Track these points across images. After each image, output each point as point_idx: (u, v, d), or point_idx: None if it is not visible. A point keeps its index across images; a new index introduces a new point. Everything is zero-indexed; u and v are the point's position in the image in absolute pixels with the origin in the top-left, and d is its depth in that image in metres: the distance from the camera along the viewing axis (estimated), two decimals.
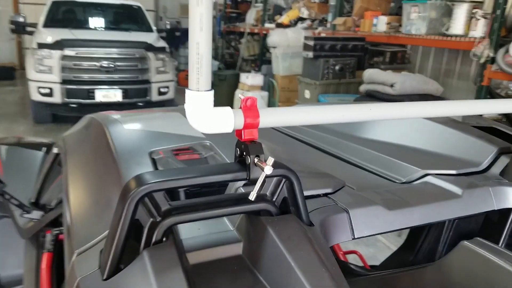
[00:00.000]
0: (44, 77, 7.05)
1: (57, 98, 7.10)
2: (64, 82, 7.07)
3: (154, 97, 7.60)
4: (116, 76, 7.32)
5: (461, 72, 6.39)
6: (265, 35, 8.84)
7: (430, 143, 1.49)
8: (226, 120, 0.84)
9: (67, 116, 7.30)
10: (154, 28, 8.65)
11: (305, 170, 1.26)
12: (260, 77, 7.77)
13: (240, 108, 0.87)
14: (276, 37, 7.60)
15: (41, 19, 7.91)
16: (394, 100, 4.67)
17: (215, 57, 11.92)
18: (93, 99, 7.20)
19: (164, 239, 0.81)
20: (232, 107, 0.87)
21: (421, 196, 1.19)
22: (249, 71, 9.05)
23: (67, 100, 7.12)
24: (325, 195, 1.12)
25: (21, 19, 7.90)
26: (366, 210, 1.06)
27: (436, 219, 1.14)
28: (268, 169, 0.82)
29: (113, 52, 7.30)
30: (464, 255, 1.03)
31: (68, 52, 7.03)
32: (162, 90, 7.78)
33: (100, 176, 1.22)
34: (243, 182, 0.92)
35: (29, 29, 7.96)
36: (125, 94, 7.38)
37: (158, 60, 7.65)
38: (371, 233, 1.05)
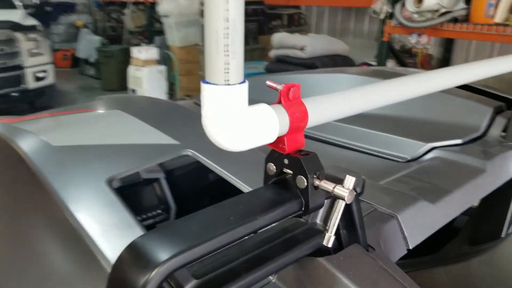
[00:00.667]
0: None
1: None
2: None
3: (31, 84, 6.59)
4: None
5: (356, 29, 6.54)
6: (152, 4, 8.16)
7: (422, 110, 1.32)
8: (268, 125, 0.53)
9: None
10: (18, 3, 7.43)
11: None
12: (154, 50, 7.16)
13: (279, 102, 0.57)
14: (167, 5, 7.00)
15: None
16: (305, 63, 4.57)
17: (95, 31, 10.80)
18: None
19: None
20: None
21: (447, 176, 1.01)
22: (138, 44, 8.32)
23: None
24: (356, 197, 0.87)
25: None
26: (414, 210, 0.84)
27: (473, 202, 0.98)
28: (350, 196, 0.53)
29: None
30: None
31: None
32: (39, 75, 6.78)
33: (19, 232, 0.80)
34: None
35: None
36: None
37: (29, 41, 6.60)
38: (423, 237, 0.84)
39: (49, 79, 6.89)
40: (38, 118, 1.24)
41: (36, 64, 6.71)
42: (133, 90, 6.84)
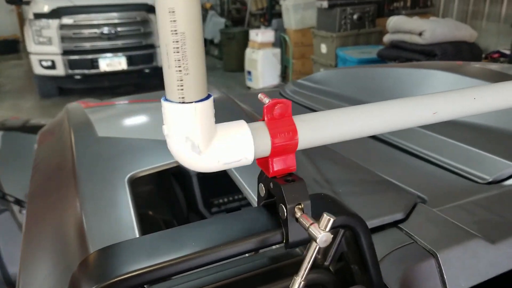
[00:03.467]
0: (44, 49, 6.71)
1: (60, 71, 6.77)
2: (66, 53, 6.72)
3: (161, 62, 7.22)
4: (119, 43, 6.93)
5: (491, 13, 5.76)
6: None
7: None
8: (241, 145, 0.48)
9: (74, 89, 7.00)
10: None
11: (347, 175, 0.89)
12: (271, 33, 7.22)
13: (263, 119, 0.50)
14: None
15: None
16: (423, 50, 4.18)
17: (221, 13, 11.27)
18: (98, 68, 6.85)
19: None
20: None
21: None
22: (258, 27, 8.49)
23: (70, 72, 6.80)
24: (394, 224, 0.76)
25: None
26: (462, 249, 0.70)
27: None
28: (323, 238, 0.45)
29: (114, 17, 6.88)
30: None
31: (66, 20, 6.63)
32: None
33: (56, 211, 0.86)
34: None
35: None
36: (130, 61, 7.02)
37: None
38: (470, 284, 0.69)
39: None
40: (111, 105, 1.32)
41: None
42: (249, 72, 7.03)
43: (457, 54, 4.14)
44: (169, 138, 0.47)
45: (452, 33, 4.20)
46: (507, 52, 4.44)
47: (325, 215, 0.46)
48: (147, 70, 7.22)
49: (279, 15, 7.79)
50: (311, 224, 0.47)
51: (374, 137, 1.18)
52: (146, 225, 0.85)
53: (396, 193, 0.85)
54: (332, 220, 0.46)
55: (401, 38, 4.34)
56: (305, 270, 0.49)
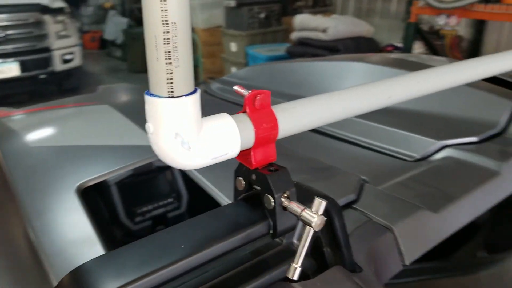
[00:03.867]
0: None
1: None
2: None
3: (58, 66, 6.71)
4: (9, 47, 6.30)
5: (384, 10, 6.28)
6: None
7: (436, 104, 1.22)
8: (228, 139, 0.47)
9: None
10: None
11: (297, 165, 0.92)
12: None
13: (245, 111, 0.50)
14: None
15: None
16: (327, 46, 4.42)
17: (122, 13, 10.82)
18: None
19: None
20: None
21: (457, 180, 0.92)
22: None
23: None
24: (349, 205, 0.80)
25: None
26: (412, 221, 0.76)
27: (484, 209, 0.89)
28: (318, 222, 0.47)
29: (2, 19, 6.24)
30: None
31: None
32: (66, 57, 6.88)
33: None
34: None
35: None
36: (23, 66, 6.41)
37: (57, 23, 6.70)
38: (422, 252, 0.76)
39: (76, 61, 6.99)
40: (31, 112, 1.20)
41: (64, 46, 6.80)
42: None
43: (357, 48, 4.45)
44: (155, 136, 0.45)
45: (352, 29, 4.50)
46: (399, 45, 4.87)
47: (317, 199, 0.48)
48: (42, 76, 6.65)
49: None
50: (303, 210, 0.49)
51: (313, 130, 1.24)
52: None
53: (344, 177, 0.90)
54: (324, 203, 0.48)
55: (307, 35, 4.55)
56: (300, 256, 0.50)
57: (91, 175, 0.80)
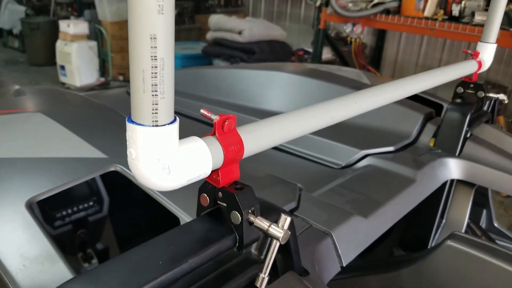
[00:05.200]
0: None
1: None
2: None
3: None
4: None
5: (293, 14, 6.56)
6: None
7: (358, 116, 1.34)
8: (202, 161, 0.50)
9: None
10: None
11: (242, 173, 0.97)
12: (85, 24, 6.71)
13: (213, 134, 0.53)
14: None
15: None
16: (243, 48, 4.51)
17: (18, 0, 9.92)
18: None
19: None
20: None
21: (380, 186, 1.04)
22: (67, 17, 7.77)
23: None
24: (291, 212, 0.87)
25: None
26: (347, 226, 0.85)
27: (404, 212, 1.01)
28: (284, 236, 0.52)
29: None
30: (449, 254, 0.92)
31: None
32: None
33: None
34: None
35: None
36: None
37: None
38: (356, 253, 0.85)
39: None
40: None
41: None
42: (62, 66, 6.41)
43: (272, 52, 4.61)
44: (137, 162, 0.46)
45: (266, 32, 4.65)
46: (309, 50, 5.14)
47: (282, 215, 0.53)
48: None
49: (89, 5, 7.28)
50: (270, 226, 0.53)
51: None
52: None
53: (283, 185, 0.96)
54: (289, 219, 0.53)
55: (223, 36, 4.60)
56: (267, 267, 0.55)
57: (41, 189, 0.77)
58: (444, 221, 1.23)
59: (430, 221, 1.22)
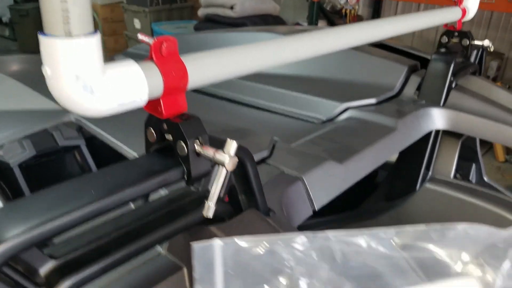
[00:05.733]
0: None
1: None
2: None
3: None
4: None
5: None
6: None
7: (338, 70, 1.30)
8: (134, 86, 0.46)
9: None
10: None
11: (213, 127, 0.94)
12: None
13: (151, 58, 0.49)
14: None
15: None
16: (235, 23, 4.43)
17: None
18: None
19: None
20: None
21: (359, 136, 1.01)
22: None
23: None
24: (262, 161, 0.84)
25: None
26: (320, 171, 0.82)
27: (383, 160, 0.97)
28: (231, 162, 0.48)
29: None
30: (428, 197, 0.88)
31: None
32: None
33: None
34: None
35: None
36: None
37: None
38: (329, 198, 0.82)
39: None
40: None
41: None
42: None
43: (265, 26, 4.52)
44: (54, 80, 0.42)
45: (259, 6, 4.55)
46: (305, 23, 5.04)
47: (228, 140, 0.48)
48: None
49: None
50: (216, 151, 0.49)
51: (223, 98, 1.25)
52: None
53: (256, 137, 0.92)
54: (235, 143, 0.49)
55: (214, 12, 4.51)
56: (214, 195, 0.51)
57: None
58: (430, 173, 1.20)
59: (415, 173, 1.18)
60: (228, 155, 0.48)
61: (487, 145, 3.42)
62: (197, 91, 1.30)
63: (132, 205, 0.63)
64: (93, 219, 0.46)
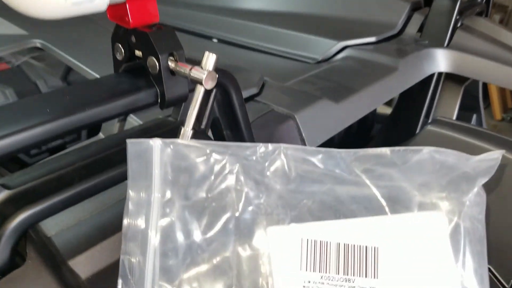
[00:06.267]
0: None
1: None
2: None
3: None
4: None
5: None
6: None
7: (336, 6, 1.21)
8: None
9: None
10: None
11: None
12: None
13: None
14: None
15: None
16: None
17: None
18: None
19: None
20: None
21: (357, 75, 0.94)
22: None
23: None
24: (251, 98, 0.77)
25: None
26: (314, 109, 0.75)
27: (382, 101, 0.91)
28: (209, 78, 0.40)
29: None
30: (430, 139, 0.82)
31: None
32: None
33: None
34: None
35: None
36: None
37: None
38: (323, 138, 0.76)
39: None
40: None
41: None
42: None
43: None
44: None
45: None
46: None
47: (206, 52, 0.41)
48: None
49: None
50: (192, 67, 0.42)
51: (210, 37, 1.17)
52: None
53: (244, 73, 0.85)
54: (214, 55, 0.42)
55: None
56: (190, 118, 0.44)
57: None
58: (429, 120, 1.14)
59: (415, 119, 1.12)
60: (206, 70, 0.41)
61: (485, 103, 3.37)
62: (183, 30, 1.21)
63: (102, 135, 0.57)
64: (46, 144, 0.39)
